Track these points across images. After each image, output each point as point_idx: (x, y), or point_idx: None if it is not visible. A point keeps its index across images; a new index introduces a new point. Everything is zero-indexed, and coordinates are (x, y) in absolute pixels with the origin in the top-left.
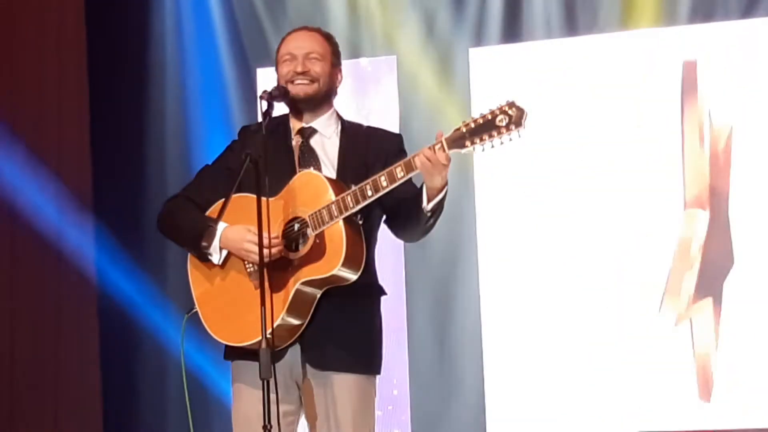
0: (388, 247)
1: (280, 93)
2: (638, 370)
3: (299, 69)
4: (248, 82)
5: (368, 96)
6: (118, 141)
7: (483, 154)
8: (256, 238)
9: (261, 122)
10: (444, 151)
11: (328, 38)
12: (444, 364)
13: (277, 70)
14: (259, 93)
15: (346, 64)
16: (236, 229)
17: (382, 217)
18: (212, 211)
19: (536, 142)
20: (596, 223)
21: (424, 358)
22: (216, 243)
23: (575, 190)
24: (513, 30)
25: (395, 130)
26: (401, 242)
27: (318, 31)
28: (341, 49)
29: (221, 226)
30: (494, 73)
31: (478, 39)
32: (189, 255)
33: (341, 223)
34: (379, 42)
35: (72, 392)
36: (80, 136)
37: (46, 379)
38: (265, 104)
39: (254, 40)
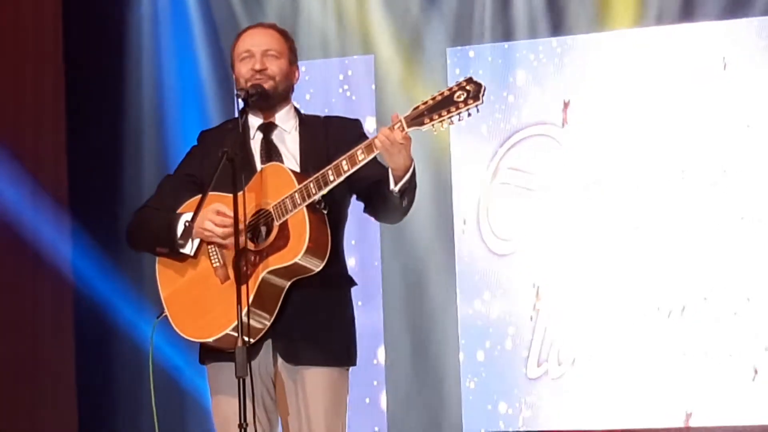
0: (363, 238)
1: (257, 92)
2: (625, 367)
3: (257, 66)
4: (226, 82)
5: (345, 95)
6: (95, 141)
7: (460, 148)
8: (216, 217)
9: (222, 124)
10: (403, 129)
11: (285, 35)
12: (420, 358)
13: (233, 67)
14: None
15: (323, 63)
16: (201, 212)
17: (349, 206)
18: (182, 210)
19: (512, 138)
20: (574, 218)
21: (401, 351)
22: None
23: (554, 185)
24: (491, 30)
25: (372, 130)
26: (377, 235)
27: (274, 27)
28: (319, 48)
29: (188, 215)
30: (472, 73)
31: (456, 39)
32: (157, 258)
33: (305, 211)
34: (356, 42)
35: (47, 390)
36: (56, 135)
37: (21, 377)
38: (242, 102)
39: (232, 41)
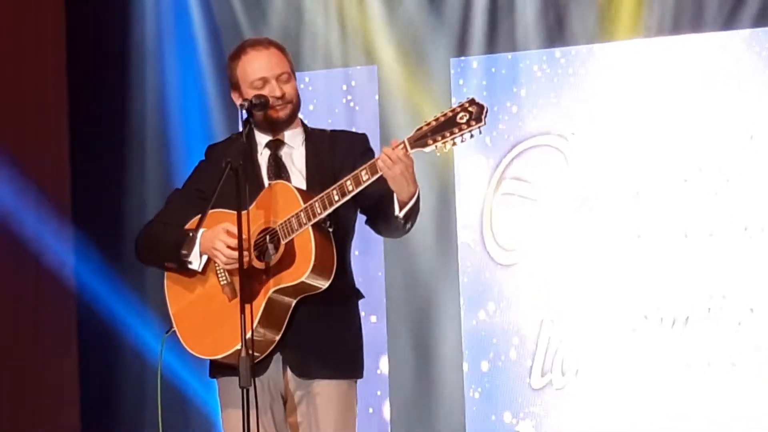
0: (366, 249)
1: (260, 103)
2: (628, 377)
3: (277, 93)
4: (229, 92)
5: (349, 106)
6: (98, 150)
7: (463, 159)
8: (227, 239)
9: (229, 138)
10: (405, 150)
11: (285, 51)
12: (424, 368)
13: (240, 90)
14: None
15: (326, 73)
16: (213, 230)
17: (355, 222)
18: (189, 225)
19: (516, 148)
20: (577, 228)
21: (404, 361)
22: (196, 249)
23: (557, 195)
24: (495, 40)
25: (376, 140)
26: (380, 246)
27: (275, 45)
28: (323, 59)
29: (200, 231)
30: (475, 83)
31: (459, 49)
32: (165, 273)
33: (310, 230)
34: (359, 52)
35: (50, 401)
36: (60, 145)
37: (24, 387)
38: (245, 114)
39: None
